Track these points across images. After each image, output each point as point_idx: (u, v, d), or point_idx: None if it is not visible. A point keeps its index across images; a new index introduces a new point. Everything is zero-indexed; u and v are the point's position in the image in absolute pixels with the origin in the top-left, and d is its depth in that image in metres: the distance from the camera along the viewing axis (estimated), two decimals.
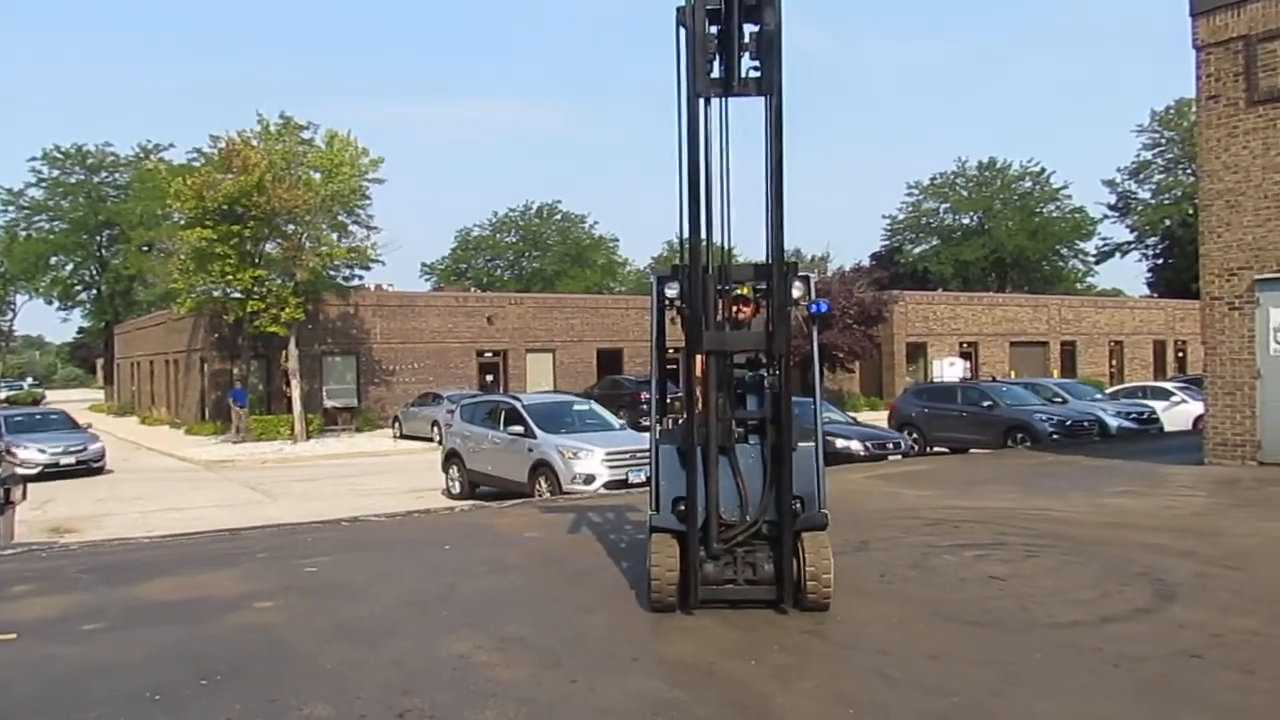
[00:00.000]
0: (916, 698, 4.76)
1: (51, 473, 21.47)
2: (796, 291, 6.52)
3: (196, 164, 32.68)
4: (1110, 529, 9.12)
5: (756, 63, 6.21)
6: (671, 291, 6.67)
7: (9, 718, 4.81)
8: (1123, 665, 5.15)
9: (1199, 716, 4.45)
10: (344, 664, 5.51)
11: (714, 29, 6.22)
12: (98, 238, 56.45)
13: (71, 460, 22.33)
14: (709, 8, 6.17)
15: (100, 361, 65.52)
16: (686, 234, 6.25)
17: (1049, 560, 7.83)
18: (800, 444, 6.38)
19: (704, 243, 6.23)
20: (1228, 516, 9.80)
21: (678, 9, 6.21)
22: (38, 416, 25.95)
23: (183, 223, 29.01)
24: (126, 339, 50.75)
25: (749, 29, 6.18)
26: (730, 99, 6.34)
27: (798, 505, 6.24)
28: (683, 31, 6.19)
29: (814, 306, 6.62)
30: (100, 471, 22.76)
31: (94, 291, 58.84)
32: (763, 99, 6.17)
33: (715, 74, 6.27)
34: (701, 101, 6.19)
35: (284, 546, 9.49)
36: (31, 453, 21.81)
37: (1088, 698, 4.70)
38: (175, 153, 51.40)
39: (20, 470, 20.64)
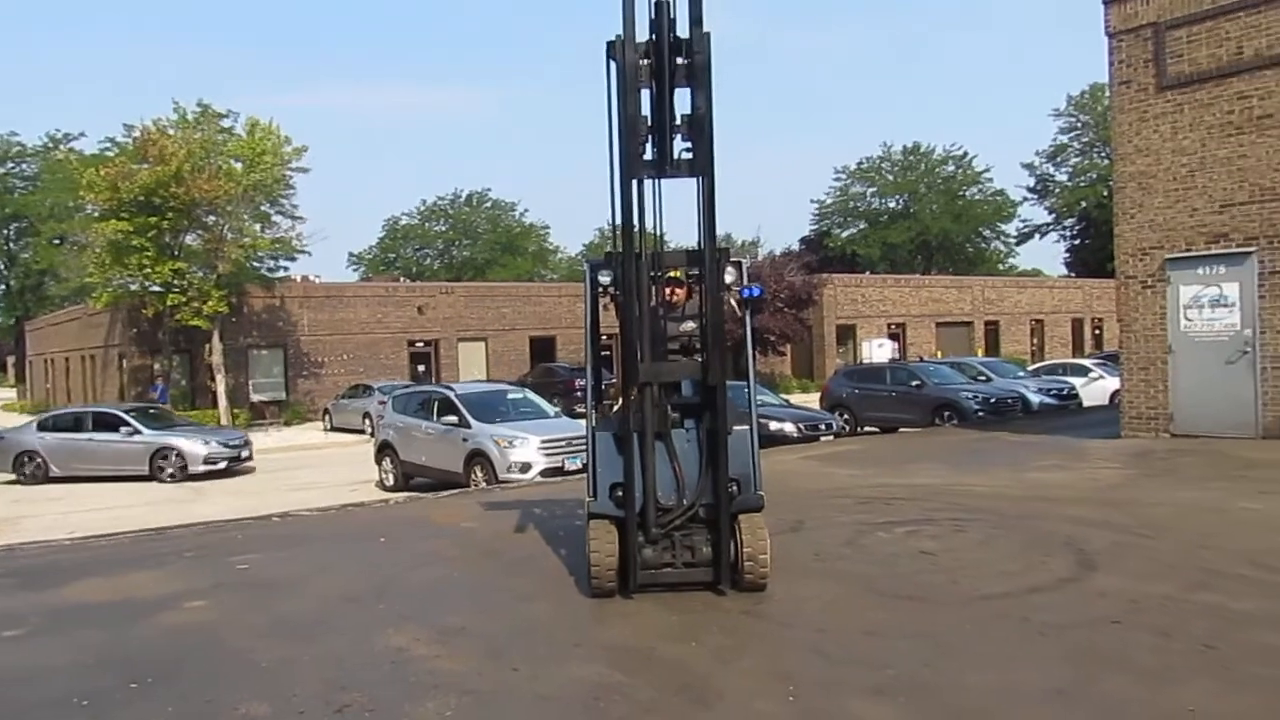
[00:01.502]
0: (853, 672, 4.87)
1: (218, 471, 19.82)
2: (729, 277, 6.59)
3: (110, 154, 31.66)
4: (1034, 502, 9.41)
5: (689, 144, 6.25)
6: (605, 278, 6.69)
7: None
8: (1048, 633, 5.34)
9: (1120, 678, 4.63)
10: (280, 661, 5.43)
11: (645, 63, 6.16)
12: (5, 231, 54.41)
13: (246, 454, 20.87)
14: (642, 62, 6.13)
15: (11, 359, 63.12)
16: (619, 223, 6.27)
17: (977, 534, 8.05)
18: (735, 427, 6.45)
19: (636, 230, 6.24)
20: (1142, 487, 10.18)
21: (608, 43, 6.19)
22: (151, 411, 22.96)
23: (97, 215, 28.11)
24: (39, 335, 48.97)
25: (681, 111, 6.19)
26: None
27: (734, 488, 6.32)
28: (613, 65, 6.18)
29: (746, 291, 6.70)
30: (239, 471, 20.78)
31: (2, 287, 56.70)
32: (695, 179, 6.23)
33: (648, 155, 6.29)
34: (634, 181, 6.17)
35: (214, 544, 9.28)
36: (197, 446, 19.92)
37: (1016, 666, 4.86)
38: (86, 142, 49.71)
39: (205, 466, 19.52)
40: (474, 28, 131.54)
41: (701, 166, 6.16)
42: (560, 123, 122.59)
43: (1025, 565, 6.92)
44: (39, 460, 20.43)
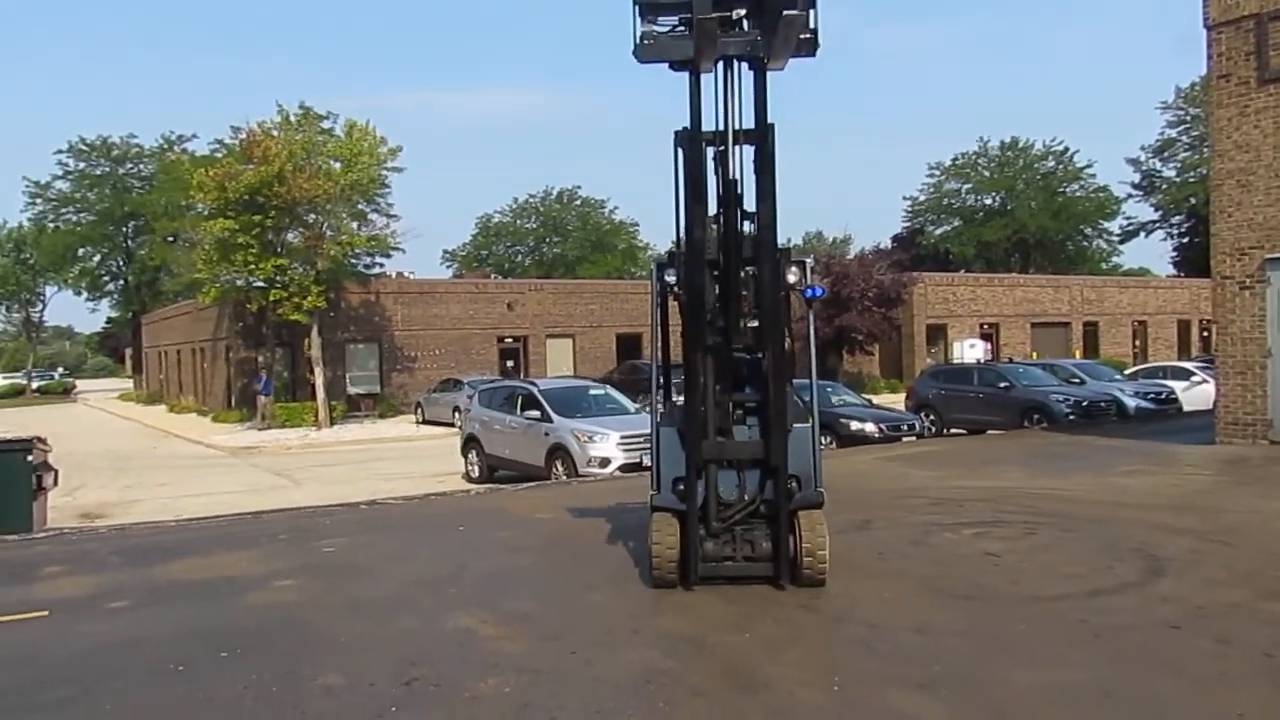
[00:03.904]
0: (900, 667, 4.95)
1: None
2: (792, 277, 6.73)
3: (218, 155, 33.14)
4: (1111, 507, 9.25)
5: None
6: (671, 278, 6.87)
7: (40, 687, 5.10)
8: (1103, 636, 5.32)
9: (1168, 682, 4.62)
10: (356, 638, 5.78)
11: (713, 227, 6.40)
12: (124, 229, 57.22)
13: None
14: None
15: (128, 351, 66.43)
16: (684, 233, 6.47)
17: (1045, 537, 7.99)
18: (796, 425, 6.56)
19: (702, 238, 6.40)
20: (1229, 494, 9.89)
21: (675, 133, 6.44)
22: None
23: (206, 213, 29.44)
24: (153, 328, 51.49)
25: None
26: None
27: (794, 485, 6.43)
28: (680, 153, 6.43)
29: (808, 291, 6.82)
30: None
31: (121, 282, 59.71)
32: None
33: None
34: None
35: (304, 529, 9.79)
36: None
37: (1063, 666, 4.88)
38: (198, 144, 51.85)
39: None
40: (565, 26, 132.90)
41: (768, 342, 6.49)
42: (650, 121, 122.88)
43: (1091, 569, 6.86)
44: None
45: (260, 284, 28.99)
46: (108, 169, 56.37)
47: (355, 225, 30.90)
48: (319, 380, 30.15)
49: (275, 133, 29.27)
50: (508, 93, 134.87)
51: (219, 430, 30.42)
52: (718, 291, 6.71)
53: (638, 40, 6.24)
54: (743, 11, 6.16)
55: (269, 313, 29.65)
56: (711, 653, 5.28)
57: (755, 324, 6.83)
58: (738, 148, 6.28)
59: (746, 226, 6.38)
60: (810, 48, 6.13)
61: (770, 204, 6.19)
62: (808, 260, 7.06)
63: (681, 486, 6.46)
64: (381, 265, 34.23)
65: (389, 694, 4.79)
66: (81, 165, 55.77)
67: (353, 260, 31.29)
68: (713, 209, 6.43)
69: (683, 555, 6.42)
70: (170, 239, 45.41)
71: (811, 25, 6.05)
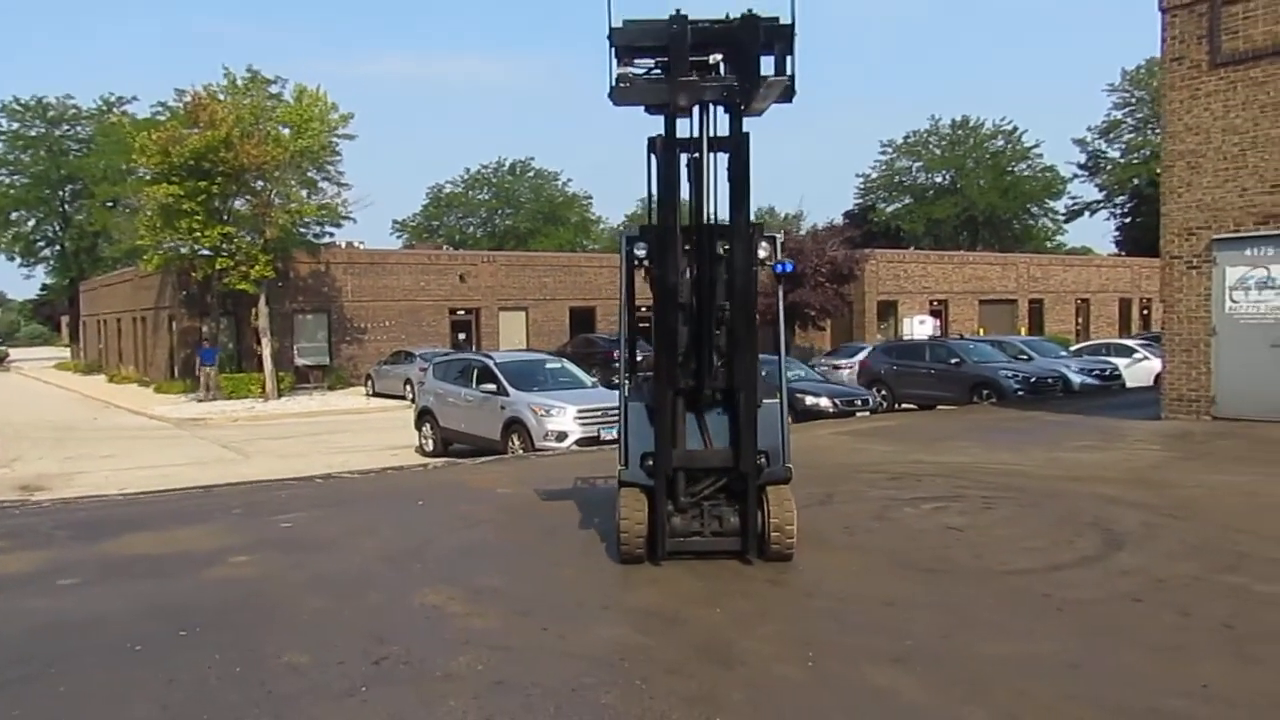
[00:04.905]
0: (872, 641, 4.99)
1: None
2: (763, 252, 6.71)
3: (161, 118, 32.19)
4: (1065, 481, 9.42)
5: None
6: (640, 252, 6.81)
7: None
8: (1067, 609, 5.42)
9: (1134, 653, 4.71)
10: (320, 615, 5.67)
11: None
12: (60, 193, 55.44)
13: None
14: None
15: (65, 319, 64.60)
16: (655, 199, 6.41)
17: (1005, 511, 8.11)
18: (765, 400, 6.56)
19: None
20: (1178, 469, 10.13)
21: (649, 139, 6.44)
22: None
23: (148, 178, 28.60)
24: (92, 296, 50.12)
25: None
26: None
27: (762, 460, 6.43)
28: (653, 159, 6.43)
29: (779, 266, 6.80)
30: None
31: (58, 248, 57.92)
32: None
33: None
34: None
35: (258, 503, 9.59)
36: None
37: (1031, 638, 4.96)
38: (139, 106, 50.46)
39: None
40: None
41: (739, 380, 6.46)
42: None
43: (1051, 542, 6.98)
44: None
45: (206, 252, 28.30)
46: (43, 130, 54.46)
47: (305, 193, 30.25)
48: (266, 351, 29.62)
49: (222, 97, 28.49)
50: (460, 61, 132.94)
51: (162, 401, 29.76)
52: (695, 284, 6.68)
53: (613, 83, 6.18)
54: (719, 57, 6.15)
55: (215, 282, 28.98)
56: (684, 628, 5.27)
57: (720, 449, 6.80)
58: (712, 156, 6.35)
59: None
60: (788, 95, 6.14)
61: (743, 234, 6.22)
62: (778, 236, 7.04)
63: (650, 462, 6.43)
64: (331, 235, 33.62)
65: (359, 673, 4.70)
66: (15, 126, 53.84)
67: (302, 229, 30.64)
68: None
69: (651, 530, 6.40)
70: (110, 204, 44.10)
71: (789, 71, 6.06)
